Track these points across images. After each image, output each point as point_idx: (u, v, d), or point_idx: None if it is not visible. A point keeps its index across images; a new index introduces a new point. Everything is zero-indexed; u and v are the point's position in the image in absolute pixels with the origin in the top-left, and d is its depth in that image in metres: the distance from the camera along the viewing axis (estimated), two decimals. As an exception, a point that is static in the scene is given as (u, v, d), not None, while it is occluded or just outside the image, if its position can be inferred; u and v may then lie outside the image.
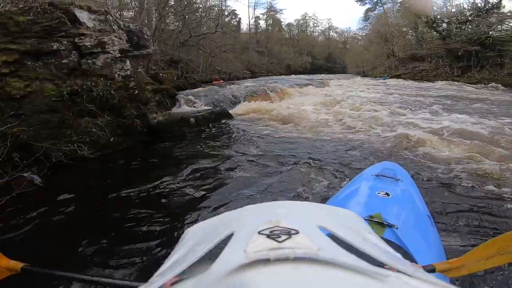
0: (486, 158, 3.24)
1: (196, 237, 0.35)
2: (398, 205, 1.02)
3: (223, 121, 6.21)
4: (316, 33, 47.88)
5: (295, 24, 45.28)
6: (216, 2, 20.17)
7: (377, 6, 34.97)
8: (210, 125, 5.79)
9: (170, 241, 1.91)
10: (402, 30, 26.58)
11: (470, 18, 19.68)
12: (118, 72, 4.29)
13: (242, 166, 3.31)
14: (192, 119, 5.52)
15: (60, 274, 0.54)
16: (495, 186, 2.56)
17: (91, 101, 3.94)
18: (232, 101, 8.27)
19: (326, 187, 2.63)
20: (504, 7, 18.32)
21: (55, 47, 3.61)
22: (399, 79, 20.79)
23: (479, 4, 19.07)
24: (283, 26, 43.38)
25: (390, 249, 0.31)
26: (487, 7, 18.69)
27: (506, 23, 18.45)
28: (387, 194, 1.03)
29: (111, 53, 4.12)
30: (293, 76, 25.07)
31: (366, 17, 37.90)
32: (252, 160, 3.47)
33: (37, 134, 3.40)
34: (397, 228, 0.81)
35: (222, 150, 4.10)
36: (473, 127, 4.63)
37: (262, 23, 40.54)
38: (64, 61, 3.71)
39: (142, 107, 4.83)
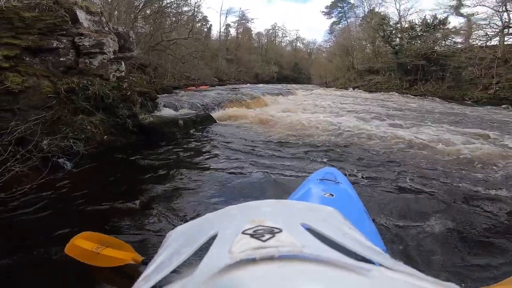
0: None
1: (180, 239, 0.35)
2: (340, 203, 1.16)
3: (207, 124, 6.52)
4: (284, 43, 49.02)
5: (264, 33, 46.23)
6: (188, 8, 20.09)
7: (342, 20, 36.74)
8: (196, 127, 6.07)
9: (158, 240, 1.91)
10: (362, 43, 27.75)
11: (420, 34, 20.46)
12: (113, 73, 4.36)
13: (227, 166, 3.50)
14: (181, 121, 5.73)
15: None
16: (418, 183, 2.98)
17: (86, 99, 3.96)
18: (211, 106, 8.56)
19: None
20: (449, 23, 19.56)
21: (54, 44, 3.62)
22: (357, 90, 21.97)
23: (428, 20, 20.07)
24: (253, 35, 44.17)
25: (370, 243, 0.32)
26: (435, 23, 19.65)
27: (449, 38, 19.56)
28: (331, 194, 1.17)
29: (107, 54, 4.19)
30: (261, 84, 25.18)
31: (331, 30, 38.89)
32: (236, 160, 3.69)
33: (33, 130, 3.37)
34: None
35: (208, 151, 4.29)
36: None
37: (232, 31, 40.90)
38: (61, 59, 3.71)
39: (134, 108, 4.90)
